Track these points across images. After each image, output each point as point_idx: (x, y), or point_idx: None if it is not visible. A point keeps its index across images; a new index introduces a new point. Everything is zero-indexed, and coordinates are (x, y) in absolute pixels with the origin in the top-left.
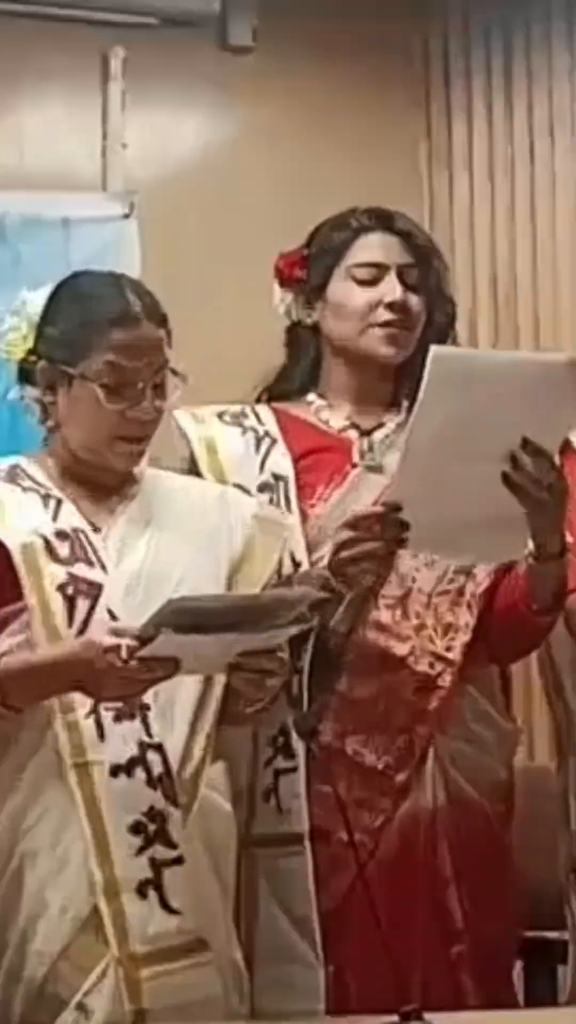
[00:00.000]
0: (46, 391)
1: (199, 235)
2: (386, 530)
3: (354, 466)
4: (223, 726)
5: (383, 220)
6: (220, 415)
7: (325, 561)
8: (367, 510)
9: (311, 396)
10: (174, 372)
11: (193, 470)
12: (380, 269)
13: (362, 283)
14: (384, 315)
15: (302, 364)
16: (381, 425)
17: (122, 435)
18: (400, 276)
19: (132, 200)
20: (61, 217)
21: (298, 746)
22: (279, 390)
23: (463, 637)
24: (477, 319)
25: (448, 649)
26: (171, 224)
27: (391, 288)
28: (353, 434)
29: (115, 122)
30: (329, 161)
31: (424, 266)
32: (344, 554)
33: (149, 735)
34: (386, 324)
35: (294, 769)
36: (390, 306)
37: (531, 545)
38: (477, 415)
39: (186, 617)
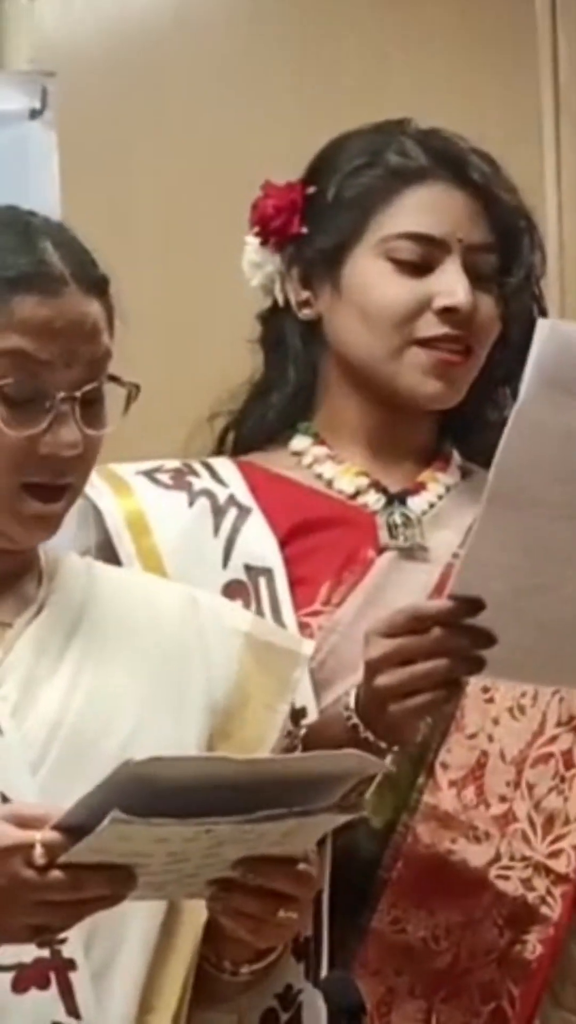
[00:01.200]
0: None
1: (153, 150)
2: (453, 641)
3: (381, 550)
4: (198, 1007)
5: (449, 160)
6: (151, 473)
7: (350, 698)
8: (421, 607)
9: (301, 441)
10: (117, 380)
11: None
12: (437, 247)
13: (404, 267)
14: (435, 326)
15: (287, 383)
16: (420, 488)
17: (31, 481)
18: (467, 262)
19: (44, 86)
20: None
21: None
22: (247, 428)
23: None
24: None
25: (554, 855)
26: (108, 129)
27: (452, 282)
28: (374, 500)
29: None
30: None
31: (509, 248)
32: (382, 682)
33: (73, 1014)
34: (436, 343)
35: None
36: (446, 313)
37: None
38: None
39: (150, 791)
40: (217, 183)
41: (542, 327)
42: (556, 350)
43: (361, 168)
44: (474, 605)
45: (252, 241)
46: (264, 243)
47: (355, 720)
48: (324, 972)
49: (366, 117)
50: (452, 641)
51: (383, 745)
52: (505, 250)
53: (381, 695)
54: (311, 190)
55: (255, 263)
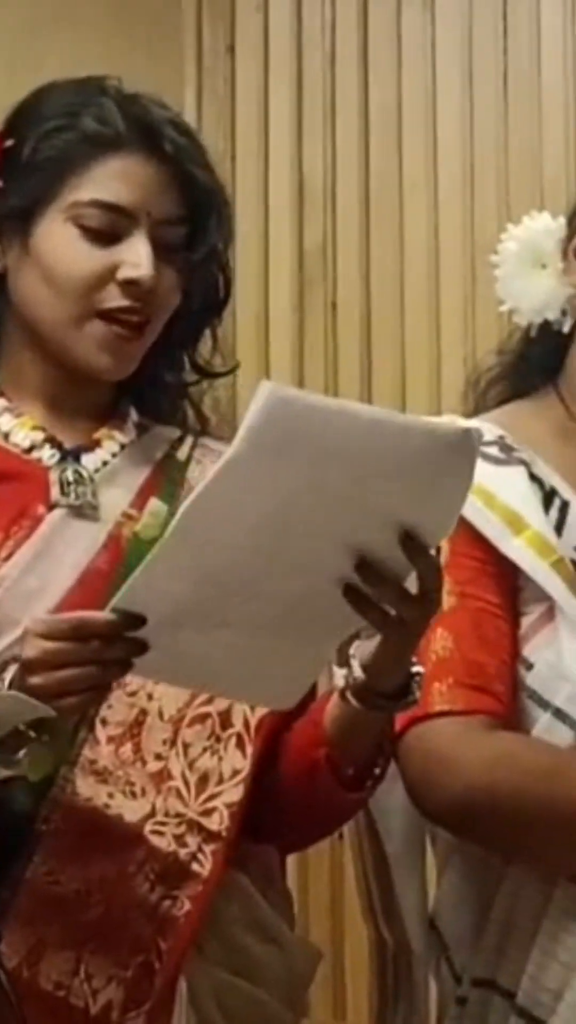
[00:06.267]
0: None
1: None
2: (110, 651)
3: (51, 507)
4: None
5: (145, 130)
6: None
7: (7, 675)
8: (86, 618)
9: None
10: None
11: None
12: (125, 218)
13: (91, 234)
14: (114, 298)
15: None
16: (95, 445)
17: None
18: (154, 235)
19: None
20: None
21: None
22: None
23: (231, 794)
24: (269, 300)
25: (207, 813)
26: None
27: (137, 255)
28: (48, 456)
29: None
30: None
31: (198, 224)
32: (35, 682)
33: None
34: (114, 316)
35: None
36: (128, 285)
37: (354, 670)
38: (307, 491)
39: None
40: None
41: (262, 389)
42: (271, 413)
43: (57, 130)
44: (136, 621)
45: None
46: None
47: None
48: None
49: (16, 90)
50: (109, 653)
51: (32, 734)
52: (193, 223)
53: (33, 693)
54: (8, 143)
55: None
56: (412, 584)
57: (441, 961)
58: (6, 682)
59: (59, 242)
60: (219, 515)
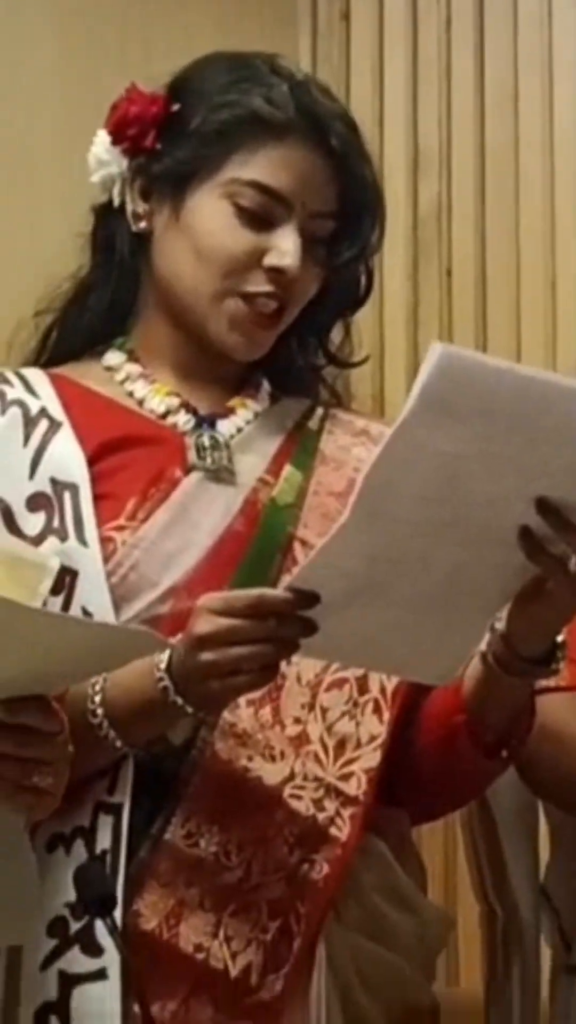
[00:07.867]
0: None
1: None
2: (283, 631)
3: (188, 470)
4: None
5: (314, 121)
6: None
7: (163, 659)
8: (266, 596)
9: (114, 356)
10: None
11: None
12: (280, 205)
13: (244, 214)
14: (257, 283)
15: (109, 287)
16: (229, 412)
17: None
18: (304, 226)
19: None
20: None
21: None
22: (65, 330)
23: (368, 759)
24: (384, 268)
25: (344, 778)
26: None
27: (286, 244)
28: (184, 421)
29: None
30: None
31: (350, 219)
32: (206, 657)
33: None
34: (255, 299)
35: (101, 974)
36: (273, 272)
37: (497, 628)
38: (476, 454)
39: None
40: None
41: (433, 351)
42: (444, 374)
43: (227, 105)
44: (311, 599)
45: (104, 137)
46: (115, 143)
47: (167, 683)
48: (120, 882)
49: (127, 62)
50: (282, 631)
51: (189, 710)
52: (345, 219)
53: (204, 670)
54: (175, 107)
55: (101, 160)
56: None
57: (554, 929)
58: (163, 657)
59: (213, 216)
60: (393, 483)
